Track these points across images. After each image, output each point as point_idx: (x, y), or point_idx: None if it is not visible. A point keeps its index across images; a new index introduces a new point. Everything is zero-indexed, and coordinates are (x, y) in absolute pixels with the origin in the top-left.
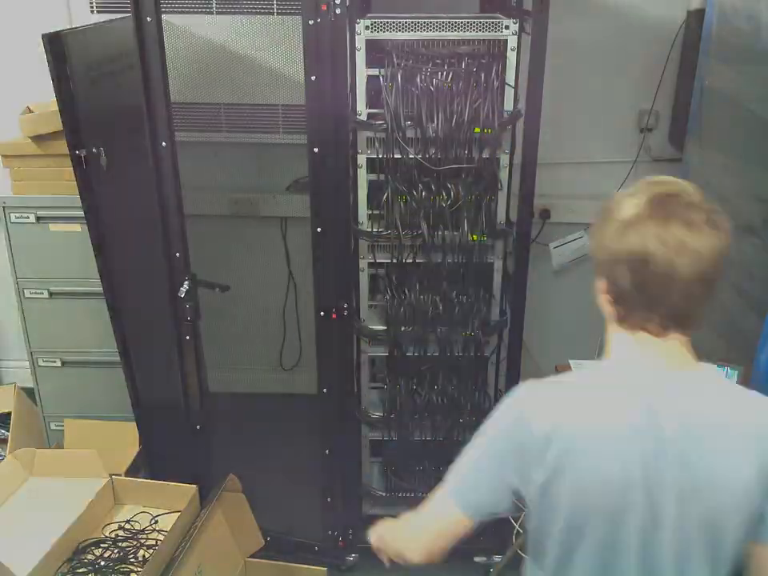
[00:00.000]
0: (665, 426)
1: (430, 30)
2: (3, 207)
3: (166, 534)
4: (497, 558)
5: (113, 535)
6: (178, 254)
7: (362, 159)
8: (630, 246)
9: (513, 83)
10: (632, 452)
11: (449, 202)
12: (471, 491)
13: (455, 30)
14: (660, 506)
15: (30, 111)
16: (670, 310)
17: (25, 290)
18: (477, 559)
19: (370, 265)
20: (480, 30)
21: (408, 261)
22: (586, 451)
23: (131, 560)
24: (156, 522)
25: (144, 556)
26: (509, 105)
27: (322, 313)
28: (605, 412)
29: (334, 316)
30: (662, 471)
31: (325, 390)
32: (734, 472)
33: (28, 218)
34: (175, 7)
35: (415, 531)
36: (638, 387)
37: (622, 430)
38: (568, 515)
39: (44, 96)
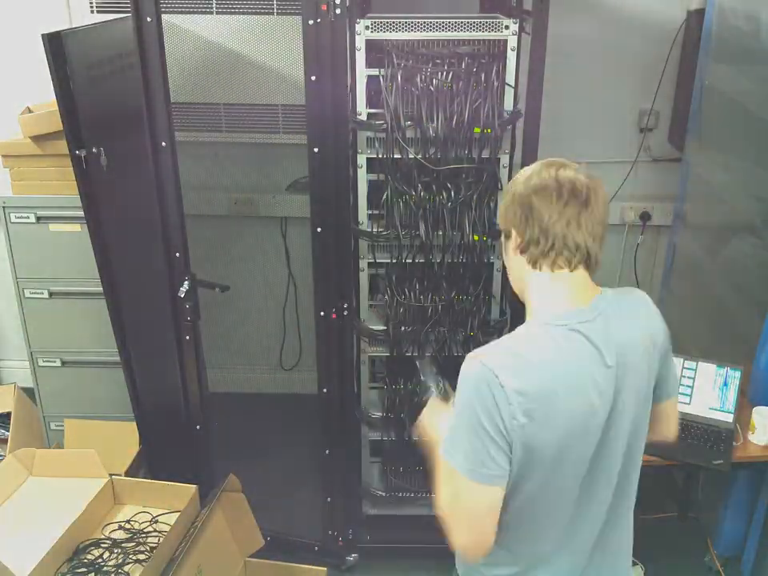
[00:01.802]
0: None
1: (430, 29)
2: (3, 207)
3: (165, 534)
4: None
5: (113, 535)
6: (177, 254)
7: (361, 159)
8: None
9: (513, 83)
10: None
11: (449, 202)
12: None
13: (455, 29)
14: (616, 419)
15: (30, 111)
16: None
17: (25, 290)
18: None
19: (370, 265)
20: (480, 30)
21: (408, 261)
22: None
23: (131, 560)
24: (156, 522)
25: (144, 556)
26: (509, 105)
27: (321, 313)
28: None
29: (333, 316)
30: (614, 394)
31: (325, 390)
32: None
33: (28, 217)
34: (175, 7)
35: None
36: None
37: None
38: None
39: (44, 96)
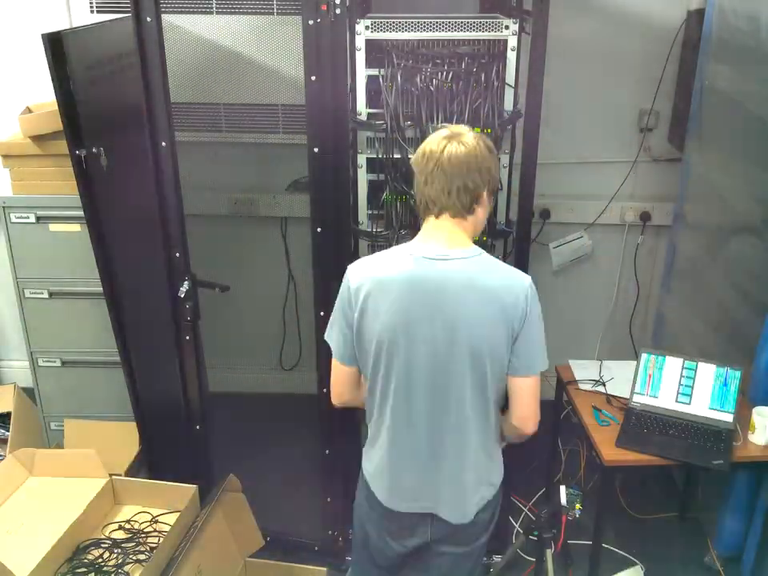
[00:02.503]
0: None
1: (430, 29)
2: (3, 207)
3: (166, 534)
4: (497, 558)
5: (113, 535)
6: (177, 254)
7: (362, 159)
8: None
9: (513, 83)
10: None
11: None
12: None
13: (455, 29)
14: (422, 337)
15: (30, 111)
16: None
17: (25, 290)
18: None
19: None
20: (480, 30)
21: None
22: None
23: (131, 560)
24: (156, 522)
25: (144, 556)
26: (509, 105)
27: (322, 313)
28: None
29: None
30: (425, 311)
31: (325, 390)
32: (482, 320)
33: (28, 217)
34: (175, 7)
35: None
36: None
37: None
38: (374, 343)
39: (44, 96)
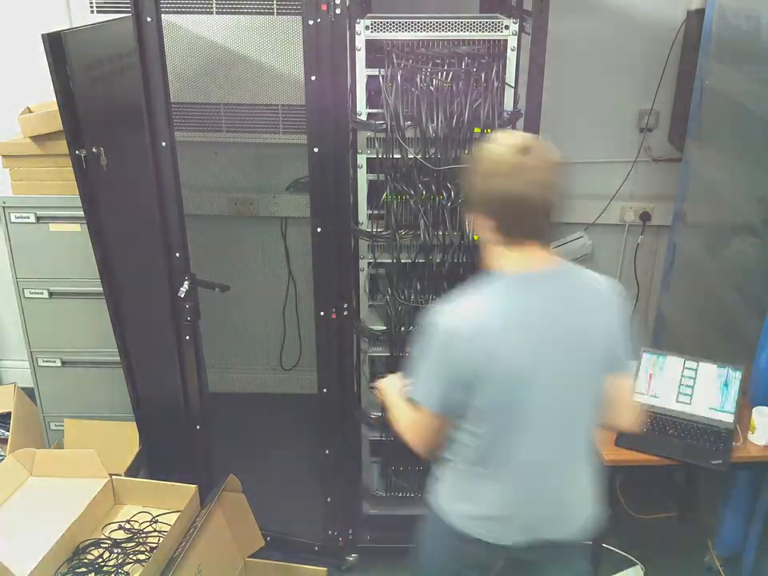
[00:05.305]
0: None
1: (430, 29)
2: (3, 207)
3: (165, 534)
4: None
5: (113, 535)
6: (178, 254)
7: (362, 159)
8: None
9: (513, 83)
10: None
11: (449, 202)
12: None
13: (455, 29)
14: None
15: (30, 111)
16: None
17: (25, 290)
18: None
19: (370, 265)
20: (480, 30)
21: (408, 261)
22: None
23: (131, 560)
24: (156, 522)
25: (144, 556)
26: (509, 105)
27: (321, 313)
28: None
29: (333, 316)
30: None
31: (325, 390)
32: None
33: (28, 217)
34: (175, 7)
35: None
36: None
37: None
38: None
39: (44, 96)
